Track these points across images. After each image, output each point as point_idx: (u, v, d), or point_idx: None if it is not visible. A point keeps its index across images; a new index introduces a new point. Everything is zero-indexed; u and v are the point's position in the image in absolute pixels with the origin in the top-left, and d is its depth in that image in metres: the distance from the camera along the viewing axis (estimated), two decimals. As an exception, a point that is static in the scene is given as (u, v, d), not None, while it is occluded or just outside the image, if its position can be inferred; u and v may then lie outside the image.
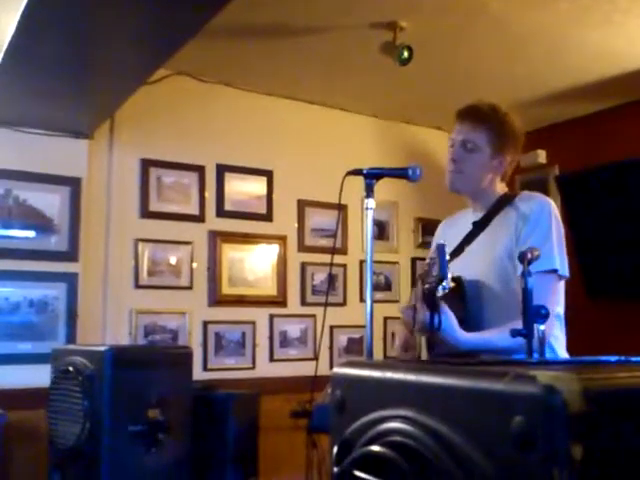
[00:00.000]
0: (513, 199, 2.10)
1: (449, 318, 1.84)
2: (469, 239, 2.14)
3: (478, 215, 2.16)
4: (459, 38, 3.56)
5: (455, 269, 2.18)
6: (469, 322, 2.01)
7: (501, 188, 2.18)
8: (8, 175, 3.50)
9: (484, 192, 2.15)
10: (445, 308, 1.82)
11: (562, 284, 2.03)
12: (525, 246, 1.93)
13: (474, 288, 2.04)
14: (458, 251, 2.14)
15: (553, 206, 2.04)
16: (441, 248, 1.67)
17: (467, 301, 2.05)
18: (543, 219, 1.99)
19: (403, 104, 4.59)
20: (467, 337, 1.90)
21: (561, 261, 1.97)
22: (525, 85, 4.18)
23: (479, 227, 2.14)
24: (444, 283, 1.70)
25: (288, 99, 4.42)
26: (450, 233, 2.22)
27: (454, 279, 2.06)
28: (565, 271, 1.99)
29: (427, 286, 1.78)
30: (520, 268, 1.90)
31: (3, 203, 3.49)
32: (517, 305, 1.95)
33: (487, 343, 1.93)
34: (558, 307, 2.01)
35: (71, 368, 2.44)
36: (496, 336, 1.92)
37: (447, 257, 1.68)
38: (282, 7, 3.23)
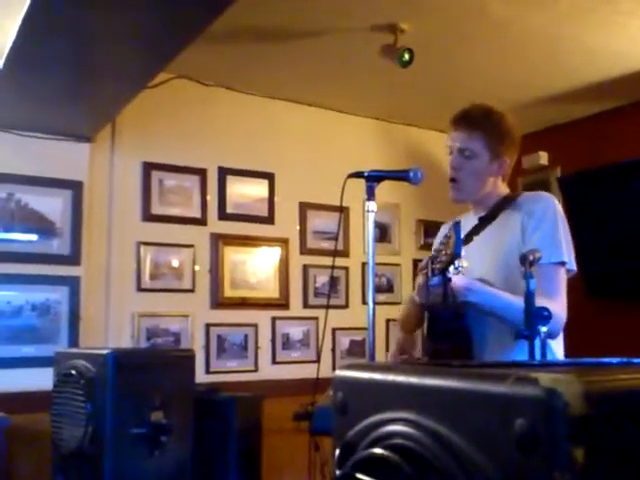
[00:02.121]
0: (516, 199, 2.11)
1: (458, 275, 1.81)
2: (477, 230, 2.14)
3: (482, 214, 2.17)
4: (460, 40, 3.57)
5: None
6: (471, 323, 2.01)
7: (503, 190, 2.18)
8: (10, 179, 3.51)
9: (487, 196, 2.15)
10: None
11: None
12: (532, 241, 1.94)
13: None
14: (467, 240, 2.13)
15: (557, 203, 2.06)
16: (457, 226, 1.63)
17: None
18: (549, 214, 2.00)
19: (404, 106, 4.59)
20: (482, 286, 1.89)
21: (569, 254, 1.99)
22: (526, 87, 4.18)
23: (486, 221, 2.14)
24: (457, 262, 1.66)
25: (289, 102, 4.42)
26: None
27: None
28: (573, 265, 2.00)
29: (438, 266, 1.74)
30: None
31: (5, 207, 3.50)
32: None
33: (501, 300, 1.90)
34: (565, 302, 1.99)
35: (74, 371, 2.44)
36: (512, 298, 1.87)
37: (462, 237, 1.64)
38: (283, 10, 3.24)
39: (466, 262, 1.69)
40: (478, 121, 2.11)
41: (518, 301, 1.81)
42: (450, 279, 1.74)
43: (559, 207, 2.04)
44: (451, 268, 1.68)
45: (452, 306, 1.83)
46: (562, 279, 1.97)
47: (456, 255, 1.63)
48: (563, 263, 1.97)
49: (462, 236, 2.13)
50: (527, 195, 2.14)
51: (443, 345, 1.99)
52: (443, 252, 1.71)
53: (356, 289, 4.57)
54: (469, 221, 2.20)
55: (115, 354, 2.41)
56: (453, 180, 2.13)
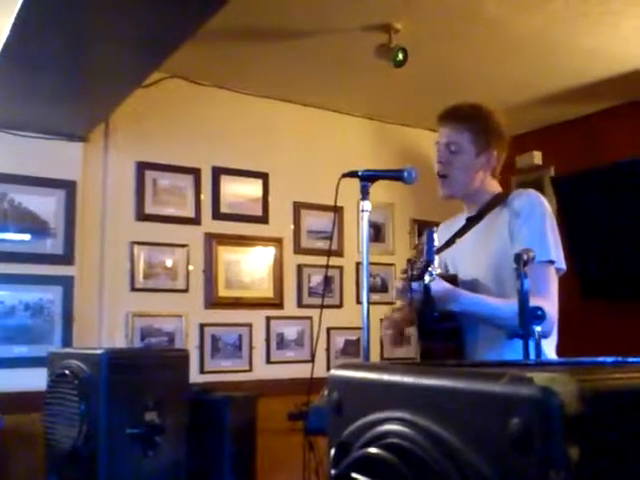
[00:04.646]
0: (506, 197, 2.10)
1: (441, 281, 1.82)
2: (461, 232, 2.14)
3: (472, 214, 2.17)
4: (454, 40, 3.57)
5: (448, 263, 2.18)
6: (462, 322, 2.01)
7: (495, 187, 2.17)
8: (3, 178, 3.49)
9: (477, 192, 2.14)
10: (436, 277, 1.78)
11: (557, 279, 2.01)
12: (519, 241, 1.93)
13: (469, 287, 2.04)
14: (449, 243, 2.13)
15: (544, 200, 2.04)
16: (429, 234, 1.66)
17: None
18: (536, 213, 1.99)
19: (398, 106, 4.60)
20: (465, 293, 1.89)
21: (557, 253, 1.97)
22: (520, 87, 4.19)
23: (472, 221, 2.14)
24: (430, 268, 1.68)
25: (283, 101, 4.42)
26: (446, 232, 2.22)
27: (450, 276, 2.06)
28: (562, 264, 1.98)
29: (415, 272, 1.76)
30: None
31: (-2, 206, 3.49)
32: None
33: (486, 306, 1.90)
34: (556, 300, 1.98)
35: (67, 371, 2.43)
36: (498, 302, 1.89)
37: (435, 243, 1.67)
38: (277, 10, 3.24)
39: (439, 269, 1.70)
40: (464, 116, 2.11)
41: (504, 305, 1.81)
42: (432, 281, 1.75)
43: (546, 205, 2.02)
44: (426, 275, 1.70)
45: (432, 311, 1.83)
46: (551, 278, 1.95)
47: (429, 262, 1.65)
48: (551, 262, 1.95)
49: (450, 237, 2.15)
50: (516, 193, 2.12)
51: (435, 345, 2.00)
52: (420, 259, 1.73)
53: (350, 289, 4.57)
54: (460, 222, 2.20)
55: (109, 354, 2.40)
56: (442, 176, 2.13)
